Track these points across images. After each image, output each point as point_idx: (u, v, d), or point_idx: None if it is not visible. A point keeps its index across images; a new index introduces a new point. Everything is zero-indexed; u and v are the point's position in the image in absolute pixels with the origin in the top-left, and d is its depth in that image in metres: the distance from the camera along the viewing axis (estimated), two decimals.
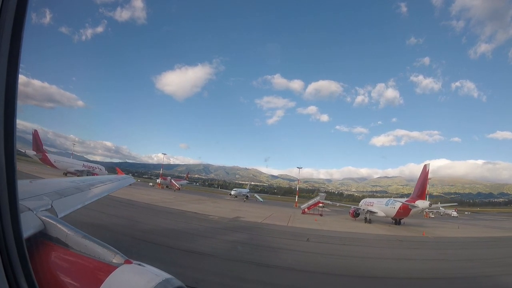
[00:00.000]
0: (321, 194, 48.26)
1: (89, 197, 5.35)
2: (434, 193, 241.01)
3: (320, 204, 47.17)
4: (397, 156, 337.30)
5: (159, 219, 20.22)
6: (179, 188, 76.43)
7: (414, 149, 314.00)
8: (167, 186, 77.70)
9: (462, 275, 11.80)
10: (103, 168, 69.76)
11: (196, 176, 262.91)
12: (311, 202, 44.75)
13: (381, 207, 37.61)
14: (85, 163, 66.64)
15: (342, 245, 18.08)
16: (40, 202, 3.17)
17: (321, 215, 41.25)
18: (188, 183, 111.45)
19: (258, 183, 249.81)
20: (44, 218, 2.50)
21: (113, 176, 11.43)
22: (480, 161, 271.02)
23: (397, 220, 35.69)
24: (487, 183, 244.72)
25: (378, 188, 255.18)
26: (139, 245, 11.51)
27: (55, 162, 57.80)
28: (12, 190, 1.77)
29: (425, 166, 37.11)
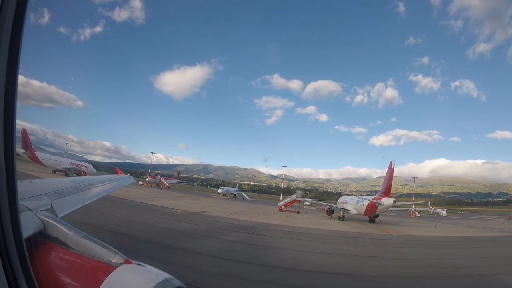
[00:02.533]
0: (298, 192, 50.24)
1: (89, 197, 5.34)
2: (433, 193, 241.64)
3: (307, 202, 49.86)
4: (396, 156, 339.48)
5: (119, 210, 20.12)
6: (168, 187, 76.38)
7: (413, 149, 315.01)
8: (157, 185, 77.17)
9: (375, 274, 11.32)
10: (90, 167, 70.26)
11: (195, 176, 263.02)
12: (288, 199, 46.38)
13: (353, 205, 37.96)
14: (73, 161, 66.56)
15: (285, 239, 18.24)
16: (40, 202, 3.17)
17: (298, 212, 42.23)
18: (179, 182, 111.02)
19: (257, 183, 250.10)
20: (43, 218, 2.50)
21: (113, 176, 11.41)
22: (479, 161, 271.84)
23: (371, 218, 35.73)
24: (487, 182, 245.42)
25: (378, 188, 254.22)
26: (78, 226, 11.78)
27: (43, 160, 58.57)
28: (12, 190, 1.78)
29: (390, 163, 37.54)
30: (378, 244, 20.27)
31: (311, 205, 53.00)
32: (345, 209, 37.24)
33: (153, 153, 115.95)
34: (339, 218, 35.65)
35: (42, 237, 2.35)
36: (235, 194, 79.09)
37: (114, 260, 2.13)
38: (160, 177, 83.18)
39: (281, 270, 10.67)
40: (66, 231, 2.35)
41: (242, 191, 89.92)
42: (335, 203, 42.29)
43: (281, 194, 73.28)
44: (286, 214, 37.13)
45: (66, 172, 57.95)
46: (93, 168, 71.02)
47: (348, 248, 17.73)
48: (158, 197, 40.79)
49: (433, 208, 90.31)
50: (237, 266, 10.60)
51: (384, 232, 26.86)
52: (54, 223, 2.46)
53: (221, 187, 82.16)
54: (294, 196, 47.12)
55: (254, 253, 13.13)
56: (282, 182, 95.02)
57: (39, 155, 59.25)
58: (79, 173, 60.40)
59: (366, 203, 35.57)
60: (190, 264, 10.05)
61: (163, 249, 11.74)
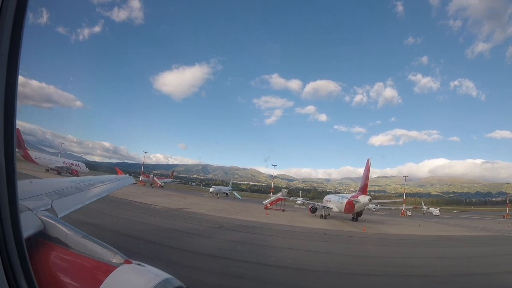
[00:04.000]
0: (283, 190, 50.81)
1: (89, 197, 5.35)
2: (433, 193, 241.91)
3: (298, 201, 52.18)
4: (395, 156, 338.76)
5: (97, 204, 20.45)
6: (161, 186, 76.52)
7: (412, 149, 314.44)
8: (151, 184, 77.22)
9: (316, 268, 11.43)
10: (83, 165, 71.71)
11: (194, 176, 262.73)
12: (273, 198, 47.36)
13: (335, 203, 38.28)
14: (66, 160, 67.67)
15: (248, 233, 18.54)
16: (40, 202, 3.17)
17: (283, 210, 42.73)
18: (174, 182, 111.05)
19: (256, 183, 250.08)
20: (44, 218, 2.51)
21: (113, 176, 11.43)
22: (479, 161, 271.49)
23: (354, 216, 35.90)
24: (486, 182, 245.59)
25: (377, 188, 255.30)
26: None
27: (36, 158, 59.61)
28: (12, 190, 1.78)
29: (367, 160, 38.01)
30: (344, 241, 20.23)
31: (302, 204, 53.64)
32: (327, 207, 37.66)
33: (145, 152, 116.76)
34: (321, 216, 35.91)
35: (42, 237, 2.35)
36: (227, 193, 79.17)
37: (114, 260, 2.13)
38: (153, 176, 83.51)
39: (213, 259, 11.07)
40: (66, 231, 2.35)
41: (235, 190, 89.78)
42: None
43: (271, 193, 73.89)
44: (267, 212, 37.41)
45: (59, 171, 59.37)
46: (86, 167, 72.32)
47: (308, 244, 17.76)
48: (145, 194, 40.73)
49: (426, 207, 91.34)
50: (173, 252, 11.32)
51: (360, 230, 26.84)
52: (54, 223, 2.46)
53: (212, 186, 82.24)
54: (279, 195, 47.78)
55: (201, 243, 13.75)
56: (272, 181, 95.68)
57: (32, 154, 60.26)
58: (72, 171, 61.71)
59: (345, 201, 36.05)
60: (128, 248, 10.14)
61: (115, 236, 12.14)
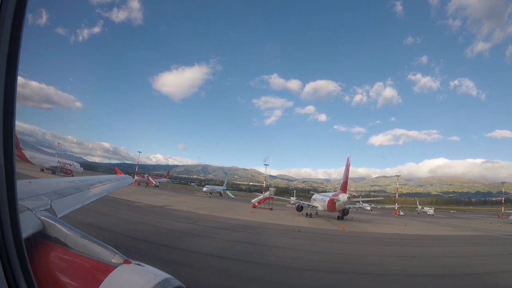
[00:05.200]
0: (270, 189, 51.58)
1: (88, 197, 5.35)
2: (433, 192, 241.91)
3: (292, 201, 52.32)
4: (395, 156, 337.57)
5: None
6: (156, 185, 76.54)
7: (412, 149, 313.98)
8: (146, 184, 77.23)
9: (268, 262, 11.69)
10: (77, 165, 72.97)
11: (194, 176, 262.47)
12: (260, 197, 47.71)
13: (320, 202, 38.56)
14: (60, 160, 68.60)
15: (220, 229, 19.02)
16: (39, 202, 3.17)
17: (271, 209, 43.16)
18: (169, 181, 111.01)
19: (257, 183, 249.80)
20: (43, 218, 2.51)
21: (112, 176, 11.44)
22: (479, 160, 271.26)
23: (339, 215, 35.99)
24: (486, 182, 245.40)
25: (377, 188, 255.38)
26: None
27: (30, 158, 60.44)
28: (11, 190, 1.78)
29: (348, 158, 38.42)
30: (315, 238, 20.17)
31: (295, 204, 53.79)
32: (313, 206, 37.97)
33: (140, 152, 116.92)
34: (306, 215, 36.12)
35: (42, 237, 2.36)
36: (220, 193, 79.16)
37: (113, 260, 2.14)
38: (148, 176, 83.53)
39: (172, 250, 11.70)
40: (66, 231, 2.36)
41: (234, 190, 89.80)
42: None
43: (263, 191, 74.42)
44: (252, 210, 37.67)
45: (53, 170, 60.59)
46: (80, 166, 73.64)
47: (275, 240, 17.84)
48: (135, 193, 40.80)
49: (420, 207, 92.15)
50: (136, 243, 11.91)
51: (340, 228, 26.81)
52: (54, 223, 2.47)
53: (206, 186, 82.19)
54: (267, 194, 48.16)
55: (160, 235, 14.30)
56: (264, 179, 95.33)
57: (27, 154, 61.15)
58: (66, 171, 62.80)
59: (327, 199, 36.29)
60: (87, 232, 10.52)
61: (83, 226, 12.58)
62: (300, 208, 38.90)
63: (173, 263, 9.53)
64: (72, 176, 61.38)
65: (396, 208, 76.81)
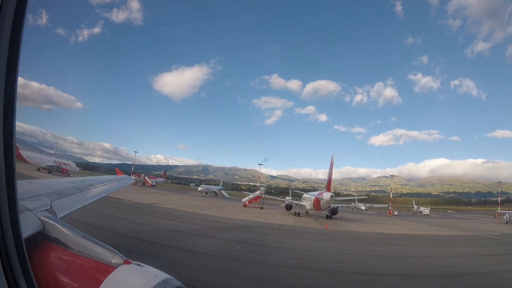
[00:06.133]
0: (261, 188, 51.74)
1: (88, 197, 5.36)
2: (433, 192, 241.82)
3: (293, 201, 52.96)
4: (396, 156, 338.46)
5: None
6: (152, 185, 76.76)
7: (413, 149, 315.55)
8: (143, 184, 77.37)
9: (232, 256, 12.07)
10: (73, 165, 74.02)
11: (195, 177, 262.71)
12: (251, 196, 47.95)
13: (307, 200, 38.92)
14: (56, 159, 69.30)
15: (198, 225, 19.43)
16: (39, 202, 3.18)
17: (261, 208, 43.36)
18: (166, 181, 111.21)
19: (257, 183, 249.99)
20: (43, 218, 2.51)
21: (112, 176, 11.46)
22: (479, 160, 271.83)
23: (328, 214, 36.11)
24: (487, 182, 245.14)
25: (377, 188, 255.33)
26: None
27: (27, 157, 61.29)
28: (11, 191, 1.78)
29: (332, 157, 38.83)
30: (293, 236, 20.16)
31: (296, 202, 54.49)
32: (301, 205, 38.36)
33: (136, 152, 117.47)
34: (295, 214, 36.33)
35: (42, 238, 2.36)
36: (216, 193, 79.09)
37: (113, 261, 2.14)
38: (144, 176, 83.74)
39: (135, 240, 12.22)
40: (66, 231, 2.36)
41: (225, 189, 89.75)
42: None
43: (257, 190, 75.15)
44: (240, 209, 37.91)
45: (49, 169, 61.47)
46: (76, 166, 74.93)
47: (250, 236, 18.06)
48: (127, 192, 41.12)
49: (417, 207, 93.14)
50: (102, 232, 12.39)
51: (323, 227, 26.82)
52: (54, 223, 2.47)
53: (201, 185, 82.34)
54: (257, 193, 48.41)
55: (136, 229, 14.92)
56: (259, 178, 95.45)
57: (24, 153, 62.06)
58: (61, 170, 63.84)
59: (313, 198, 36.58)
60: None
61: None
62: (289, 207, 38.85)
63: (127, 250, 9.54)
64: (68, 175, 61.82)
65: (390, 207, 77.76)
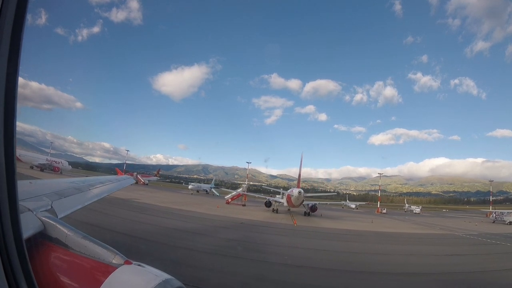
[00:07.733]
0: (243, 186, 53.34)
1: (89, 197, 5.36)
2: (433, 192, 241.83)
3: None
4: (396, 155, 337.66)
5: None
6: (145, 184, 76.73)
7: (413, 148, 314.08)
8: (136, 182, 77.64)
9: (182, 246, 12.77)
10: (66, 163, 74.87)
11: (195, 176, 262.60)
12: (234, 193, 49.35)
13: (284, 198, 39.72)
14: (49, 158, 70.19)
15: (165, 219, 20.42)
16: (40, 202, 3.18)
17: (243, 205, 44.24)
18: (159, 179, 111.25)
19: (257, 183, 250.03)
20: (44, 218, 2.51)
21: (113, 176, 11.46)
22: (479, 160, 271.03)
23: (306, 211, 36.73)
24: (487, 181, 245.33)
25: (377, 187, 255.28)
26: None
27: (20, 156, 61.42)
28: (12, 191, 1.78)
29: (301, 155, 41.08)
30: (250, 230, 20.52)
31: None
32: (279, 202, 39.08)
33: (128, 151, 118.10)
34: (273, 211, 36.87)
35: (42, 238, 2.36)
36: (207, 191, 79.19)
37: (114, 261, 2.14)
38: (136, 174, 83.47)
39: (89, 226, 12.40)
40: (66, 231, 2.36)
41: (216, 188, 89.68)
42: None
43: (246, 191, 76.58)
44: (218, 205, 38.37)
45: (42, 168, 62.37)
46: (68, 164, 75.94)
47: (203, 228, 18.82)
48: None
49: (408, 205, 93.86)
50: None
51: (291, 223, 27.17)
52: (54, 223, 2.47)
53: (191, 183, 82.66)
54: (239, 190, 49.69)
55: (100, 219, 15.42)
56: (247, 177, 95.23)
57: (16, 152, 61.66)
58: (53, 168, 64.62)
59: (286, 195, 37.67)
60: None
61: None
62: (268, 204, 39.89)
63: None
64: (60, 173, 62.61)
65: (378, 206, 79.98)
